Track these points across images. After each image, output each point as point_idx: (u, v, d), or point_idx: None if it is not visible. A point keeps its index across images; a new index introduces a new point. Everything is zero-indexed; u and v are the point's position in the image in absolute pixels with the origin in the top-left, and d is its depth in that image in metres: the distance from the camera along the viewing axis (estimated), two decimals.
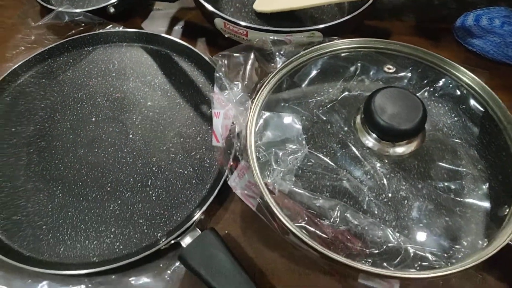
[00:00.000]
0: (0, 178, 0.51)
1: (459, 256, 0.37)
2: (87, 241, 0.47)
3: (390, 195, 0.40)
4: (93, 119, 0.57)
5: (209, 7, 0.59)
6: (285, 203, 0.40)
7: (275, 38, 0.53)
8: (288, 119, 0.45)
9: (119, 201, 0.50)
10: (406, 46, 0.49)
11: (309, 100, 0.47)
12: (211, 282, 0.41)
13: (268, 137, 0.44)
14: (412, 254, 0.37)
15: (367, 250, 0.37)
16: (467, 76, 0.47)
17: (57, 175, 0.52)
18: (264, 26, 0.56)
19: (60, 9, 0.66)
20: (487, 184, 0.41)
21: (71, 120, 0.57)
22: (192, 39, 0.67)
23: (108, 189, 0.50)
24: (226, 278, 0.41)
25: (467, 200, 0.40)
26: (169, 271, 0.45)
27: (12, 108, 0.58)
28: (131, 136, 0.55)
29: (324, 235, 0.38)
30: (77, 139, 0.55)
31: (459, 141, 0.44)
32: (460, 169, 0.42)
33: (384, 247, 0.37)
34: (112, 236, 0.47)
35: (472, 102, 0.46)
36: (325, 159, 0.42)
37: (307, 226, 0.39)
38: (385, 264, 0.37)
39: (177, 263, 0.45)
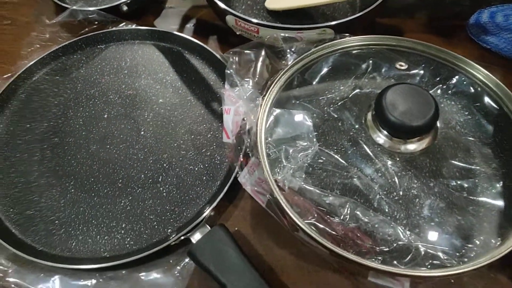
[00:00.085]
0: (14, 173, 0.52)
1: (471, 255, 0.36)
2: (98, 236, 0.47)
3: (401, 193, 0.40)
4: (105, 116, 0.57)
5: (221, 4, 0.59)
6: (295, 200, 0.40)
7: (286, 35, 0.53)
8: (298, 116, 0.45)
9: (130, 197, 0.50)
10: (419, 44, 0.49)
11: (320, 98, 0.47)
12: (220, 278, 0.41)
13: (278, 134, 0.44)
14: (423, 253, 0.36)
15: (377, 248, 0.37)
16: (481, 73, 0.46)
17: (69, 171, 0.52)
18: (275, 23, 0.56)
19: (74, 7, 0.67)
20: (501, 182, 0.40)
21: (83, 116, 0.57)
22: (204, 36, 0.68)
23: (120, 185, 0.51)
24: (235, 274, 0.41)
25: (480, 198, 0.39)
26: (178, 267, 0.45)
27: (27, 105, 0.59)
28: (142, 132, 0.55)
29: (334, 233, 0.38)
30: (90, 135, 0.55)
31: (473, 139, 0.43)
32: (473, 167, 0.41)
33: (395, 245, 0.37)
34: (123, 231, 0.48)
35: (486, 99, 0.45)
36: (336, 156, 0.42)
37: (317, 223, 0.38)
38: (395, 262, 0.36)
39: (187, 259, 0.45)
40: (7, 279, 0.45)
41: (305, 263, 0.46)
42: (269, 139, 0.43)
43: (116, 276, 0.45)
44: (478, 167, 0.41)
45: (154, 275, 0.45)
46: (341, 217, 0.38)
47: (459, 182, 0.40)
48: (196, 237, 0.45)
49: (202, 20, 0.71)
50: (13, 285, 0.45)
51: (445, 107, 0.45)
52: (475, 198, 0.39)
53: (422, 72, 0.47)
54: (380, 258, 0.37)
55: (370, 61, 0.48)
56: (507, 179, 0.40)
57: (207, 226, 0.45)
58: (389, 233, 0.38)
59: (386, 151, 0.41)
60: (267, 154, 0.42)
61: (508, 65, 0.61)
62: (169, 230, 0.48)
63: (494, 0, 0.64)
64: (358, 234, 0.38)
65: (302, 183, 0.40)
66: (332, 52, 0.50)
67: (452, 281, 0.41)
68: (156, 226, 0.48)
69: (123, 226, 0.48)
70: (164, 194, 0.50)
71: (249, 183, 0.44)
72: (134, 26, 0.66)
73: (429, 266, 0.36)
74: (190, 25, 0.70)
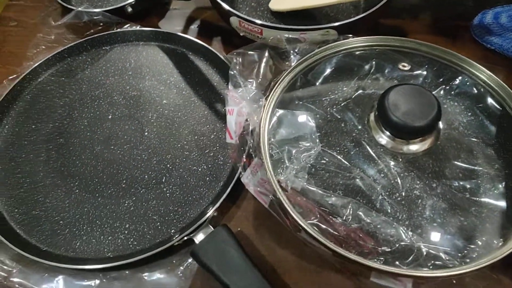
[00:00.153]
0: (19, 174, 0.53)
1: (473, 256, 0.36)
2: (102, 237, 0.48)
3: (403, 194, 0.40)
4: (110, 117, 0.57)
5: (225, 6, 0.59)
6: (298, 201, 0.40)
7: (290, 36, 0.53)
8: (302, 117, 0.45)
9: (134, 198, 0.50)
10: (423, 44, 0.49)
11: (323, 98, 0.47)
12: (223, 279, 0.41)
13: (281, 134, 0.44)
14: (425, 253, 0.36)
15: (380, 249, 0.37)
16: (484, 74, 0.46)
17: (74, 171, 0.53)
18: (279, 24, 0.56)
19: (79, 8, 0.67)
20: (504, 183, 0.40)
21: (88, 117, 0.58)
22: (208, 38, 0.68)
23: (123, 185, 0.51)
24: (238, 274, 0.41)
25: (482, 199, 0.39)
26: (181, 267, 0.46)
27: (32, 106, 0.59)
28: (146, 133, 0.56)
29: (336, 233, 0.38)
30: (94, 136, 0.56)
31: (476, 140, 0.43)
32: (476, 168, 0.41)
33: (397, 245, 0.37)
34: (126, 232, 0.48)
35: (490, 100, 0.45)
36: (339, 157, 0.42)
37: (319, 224, 0.38)
38: (397, 262, 0.36)
39: (190, 260, 0.45)
40: (11, 279, 0.45)
41: (307, 264, 0.46)
42: (272, 139, 0.43)
43: (119, 276, 0.46)
44: (480, 168, 0.41)
45: (158, 275, 0.46)
46: (344, 218, 0.39)
47: (461, 183, 0.40)
48: (199, 237, 0.45)
49: (206, 21, 0.71)
50: (17, 285, 0.45)
51: (448, 108, 0.45)
52: (477, 199, 0.39)
53: (425, 73, 0.47)
54: (382, 258, 0.37)
55: (373, 62, 0.48)
56: (510, 180, 0.40)
57: (210, 226, 0.46)
58: (392, 233, 0.38)
59: (389, 152, 0.41)
60: (270, 155, 0.42)
61: None
62: (172, 231, 0.48)
63: (499, 1, 0.64)
64: (361, 235, 0.38)
65: (305, 183, 0.40)
66: (336, 53, 0.50)
67: (454, 281, 0.41)
68: (159, 227, 0.48)
69: (127, 226, 0.48)
70: (168, 194, 0.50)
71: (252, 183, 0.44)
72: (138, 28, 0.67)
73: (431, 267, 0.36)
74: (194, 27, 0.71)
